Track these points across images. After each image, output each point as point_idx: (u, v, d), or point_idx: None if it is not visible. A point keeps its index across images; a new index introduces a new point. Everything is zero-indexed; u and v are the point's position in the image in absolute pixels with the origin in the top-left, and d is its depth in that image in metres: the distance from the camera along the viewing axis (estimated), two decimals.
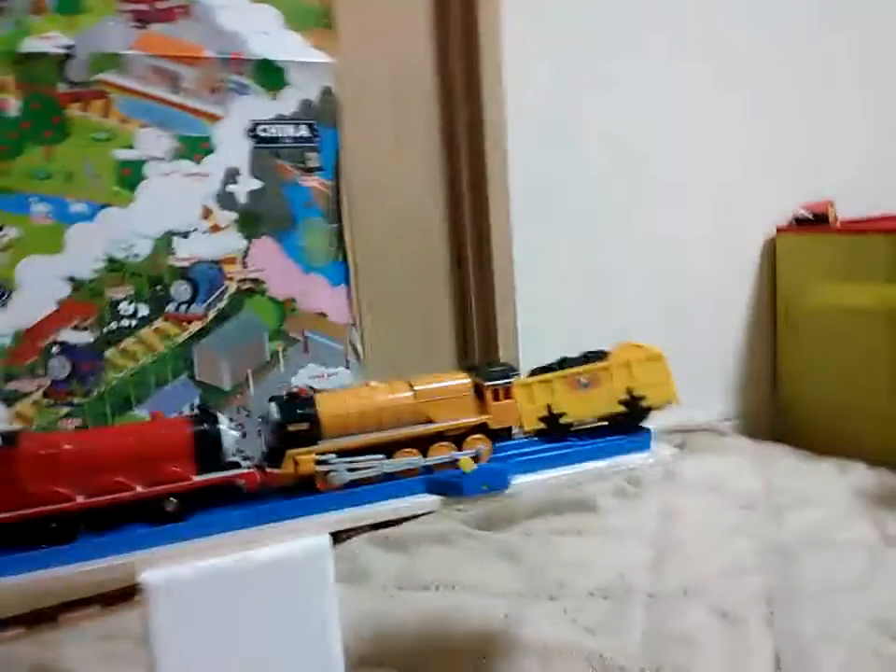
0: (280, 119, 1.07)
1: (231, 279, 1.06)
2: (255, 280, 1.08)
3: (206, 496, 0.59)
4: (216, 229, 1.04)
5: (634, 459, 0.75)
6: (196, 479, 0.58)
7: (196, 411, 0.63)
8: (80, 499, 0.55)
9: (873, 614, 0.87)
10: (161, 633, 0.52)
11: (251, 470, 0.61)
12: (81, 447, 0.56)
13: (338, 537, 1.11)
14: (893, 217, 1.48)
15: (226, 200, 1.04)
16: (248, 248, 1.07)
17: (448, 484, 0.65)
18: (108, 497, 0.56)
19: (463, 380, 0.68)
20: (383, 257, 1.21)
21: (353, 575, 1.02)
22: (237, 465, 0.61)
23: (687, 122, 1.48)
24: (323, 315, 1.13)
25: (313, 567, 0.57)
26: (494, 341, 1.27)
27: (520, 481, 0.67)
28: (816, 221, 1.53)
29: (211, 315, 1.05)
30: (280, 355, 1.11)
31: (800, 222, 1.56)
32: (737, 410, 1.62)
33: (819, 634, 0.83)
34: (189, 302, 1.03)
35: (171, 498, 0.57)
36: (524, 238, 1.30)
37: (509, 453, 0.71)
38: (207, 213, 1.03)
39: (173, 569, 0.53)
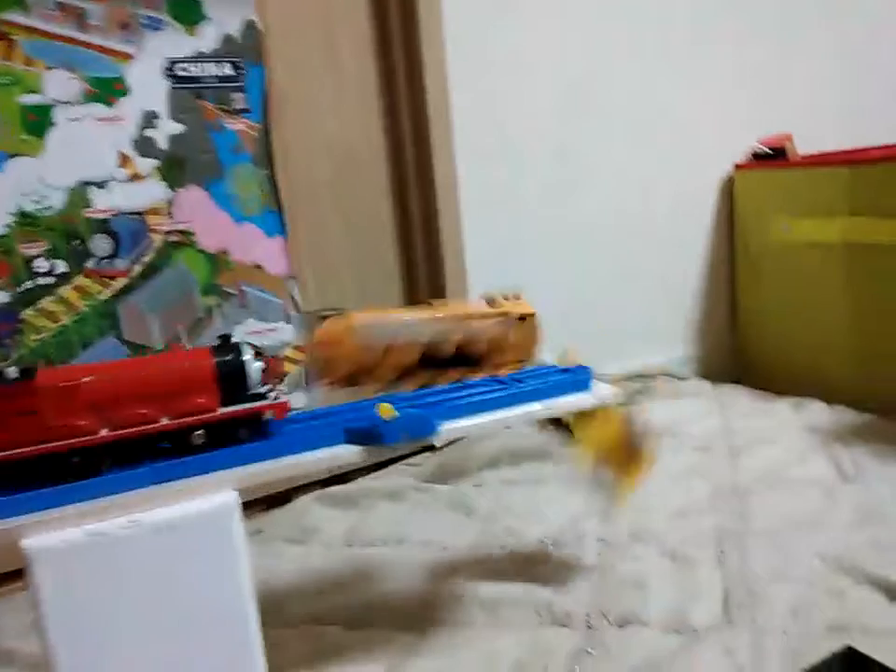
0: (200, 57, 1.00)
1: (156, 231, 1.00)
2: (183, 232, 1.02)
3: (231, 428, 0.57)
4: (136, 177, 0.98)
5: (573, 400, 0.73)
6: (223, 410, 0.56)
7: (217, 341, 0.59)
8: (104, 433, 0.52)
9: (826, 551, 0.85)
10: (49, 604, 0.48)
11: (280, 401, 0.59)
12: (101, 379, 0.53)
13: (286, 496, 1.08)
14: (852, 150, 1.44)
15: (145, 146, 0.98)
16: (174, 198, 1.01)
17: (367, 433, 0.61)
18: (133, 429, 0.53)
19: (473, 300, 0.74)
20: (320, 203, 1.15)
21: (300, 533, 0.99)
22: (262, 396, 0.58)
23: (641, 59, 1.43)
24: (259, 267, 1.08)
25: (217, 528, 0.53)
26: (442, 291, 1.22)
27: (449, 426, 0.64)
28: (774, 156, 1.50)
29: (136, 269, 0.99)
30: (215, 310, 1.05)
31: (758, 157, 1.53)
32: (697, 351, 1.59)
33: (770, 572, 0.82)
34: (111, 257, 0.98)
35: (198, 430, 0.55)
36: (471, 182, 1.25)
37: (438, 398, 0.68)
38: (125, 160, 0.97)
39: (59, 534, 0.49)
